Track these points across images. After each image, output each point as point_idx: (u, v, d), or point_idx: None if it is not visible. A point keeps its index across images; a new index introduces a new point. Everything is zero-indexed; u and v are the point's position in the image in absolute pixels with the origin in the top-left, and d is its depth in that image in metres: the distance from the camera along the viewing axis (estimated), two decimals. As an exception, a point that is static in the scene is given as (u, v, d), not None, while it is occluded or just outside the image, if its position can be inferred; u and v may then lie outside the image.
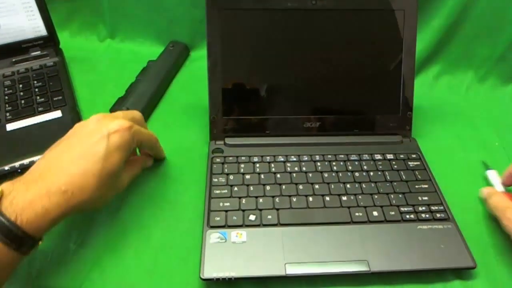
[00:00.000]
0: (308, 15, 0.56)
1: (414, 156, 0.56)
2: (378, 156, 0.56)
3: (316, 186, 0.51)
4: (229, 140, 0.58)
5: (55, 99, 0.63)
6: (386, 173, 0.53)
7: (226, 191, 0.50)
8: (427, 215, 0.48)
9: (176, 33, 0.79)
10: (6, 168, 0.53)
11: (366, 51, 0.58)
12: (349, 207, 0.48)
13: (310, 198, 0.49)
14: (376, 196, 0.50)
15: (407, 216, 0.47)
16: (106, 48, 0.80)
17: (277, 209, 0.48)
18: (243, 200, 0.49)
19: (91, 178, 0.40)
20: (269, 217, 0.47)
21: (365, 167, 0.54)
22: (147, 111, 0.64)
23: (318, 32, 0.57)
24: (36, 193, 0.37)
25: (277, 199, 0.49)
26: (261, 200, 0.49)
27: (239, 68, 0.58)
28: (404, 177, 0.53)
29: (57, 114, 0.60)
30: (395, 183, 0.52)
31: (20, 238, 0.35)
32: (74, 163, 0.40)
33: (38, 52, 0.71)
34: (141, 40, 0.80)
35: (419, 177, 0.53)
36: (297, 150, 0.57)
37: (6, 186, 0.37)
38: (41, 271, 0.44)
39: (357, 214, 0.48)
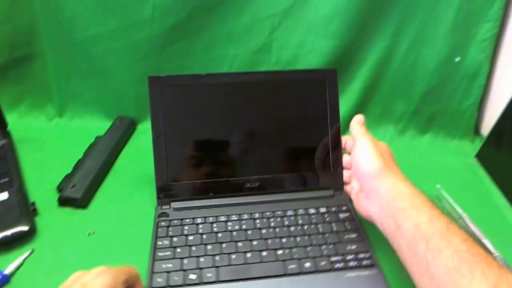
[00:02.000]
0: (241, 87, 0.63)
1: (344, 208, 0.61)
2: (312, 210, 0.61)
3: (254, 243, 0.55)
4: (174, 204, 0.61)
5: (1, 181, 0.64)
6: (319, 225, 0.58)
7: (169, 253, 0.53)
8: (354, 263, 0.52)
9: (123, 109, 0.84)
10: (-49, 253, 0.53)
11: (296, 117, 0.64)
12: (284, 260, 0.52)
13: (248, 254, 0.53)
14: (309, 248, 0.54)
15: (336, 265, 0.51)
16: (55, 127, 0.84)
17: (217, 267, 0.51)
18: (185, 261, 0.52)
19: None
20: (209, 275, 0.50)
21: (300, 221, 0.59)
22: (94, 185, 0.67)
23: (251, 102, 0.63)
24: None
25: (217, 257, 0.52)
26: (202, 259, 0.52)
27: (181, 138, 0.62)
28: (335, 228, 0.57)
29: (4, 196, 0.62)
30: (327, 235, 0.56)
31: None
32: None
33: (-15, 137, 0.74)
34: (89, 117, 0.85)
35: (349, 227, 0.58)
36: (239, 209, 0.61)
37: None
38: None
39: (290, 266, 0.51)
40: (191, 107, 0.63)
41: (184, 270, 0.51)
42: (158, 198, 0.62)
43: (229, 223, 0.58)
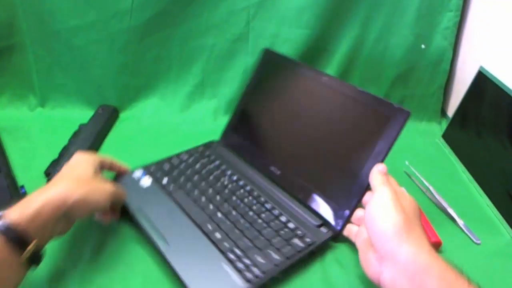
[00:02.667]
0: (318, 86, 0.64)
1: (309, 241, 0.55)
2: (283, 218, 0.58)
3: (225, 204, 0.60)
4: (219, 147, 0.75)
5: (-12, 167, 0.66)
6: (274, 232, 0.56)
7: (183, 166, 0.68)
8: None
9: (105, 98, 0.86)
10: None
11: (346, 135, 0.59)
12: (219, 227, 0.56)
13: (210, 205, 0.60)
14: (244, 238, 0.54)
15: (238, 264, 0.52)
16: (37, 117, 0.85)
17: (187, 193, 0.62)
18: (180, 176, 0.66)
19: (63, 178, 0.51)
20: (172, 189, 0.64)
21: (264, 215, 0.58)
22: (80, 170, 0.69)
23: (319, 103, 0.63)
24: (25, 198, 0.46)
25: (195, 190, 0.63)
26: (187, 182, 0.65)
27: (261, 105, 0.72)
28: (278, 243, 0.54)
29: (-8, 181, 0.64)
30: (267, 241, 0.54)
31: (7, 224, 0.41)
32: (51, 183, 0.50)
33: (-32, 126, 0.75)
34: (71, 106, 0.87)
35: (292, 252, 0.54)
36: (248, 180, 0.66)
37: None
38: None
39: (217, 235, 0.54)
40: (280, 85, 0.69)
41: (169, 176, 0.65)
42: (223, 134, 0.76)
43: (232, 182, 0.65)
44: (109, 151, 0.76)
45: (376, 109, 0.56)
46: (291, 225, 0.57)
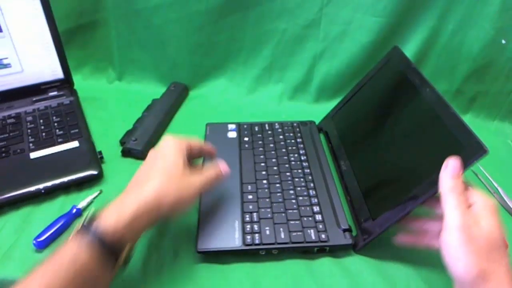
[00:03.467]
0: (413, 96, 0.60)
1: (323, 237, 0.56)
2: (315, 209, 0.60)
3: (276, 176, 0.66)
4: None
5: (72, 131, 0.72)
6: (295, 207, 0.60)
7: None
8: None
9: (177, 76, 0.90)
10: (32, 189, 0.61)
11: (415, 154, 0.56)
12: (256, 191, 0.63)
13: (263, 172, 0.67)
14: (267, 200, 0.62)
15: None
16: (115, 89, 0.91)
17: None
18: None
19: (155, 174, 0.48)
20: None
21: (300, 197, 0.62)
22: (153, 142, 0.74)
23: (406, 114, 0.61)
24: (119, 199, 0.46)
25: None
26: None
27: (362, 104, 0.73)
28: None
29: (75, 144, 0.69)
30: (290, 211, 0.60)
31: (102, 233, 0.41)
32: (141, 176, 0.50)
33: (55, 93, 0.81)
34: (146, 81, 0.91)
35: None
36: (316, 166, 0.69)
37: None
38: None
39: (249, 195, 0.62)
40: (389, 87, 0.68)
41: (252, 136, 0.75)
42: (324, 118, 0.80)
43: (298, 160, 0.69)
44: (178, 126, 0.80)
45: (455, 136, 0.50)
46: (318, 217, 0.59)
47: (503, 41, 0.79)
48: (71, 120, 0.75)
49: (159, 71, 0.90)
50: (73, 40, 0.89)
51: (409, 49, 0.81)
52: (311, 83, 0.88)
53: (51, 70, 0.80)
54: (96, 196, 0.63)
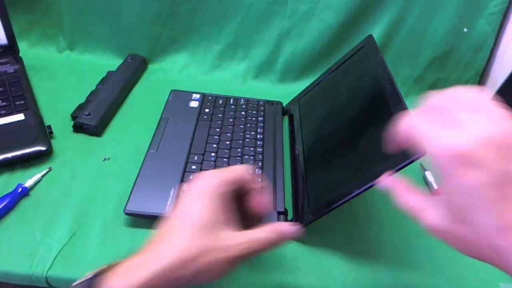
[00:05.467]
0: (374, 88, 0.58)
1: None
2: None
3: (227, 150, 0.65)
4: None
5: (17, 103, 0.66)
6: None
7: None
8: None
9: (134, 47, 0.84)
10: (-29, 165, 0.55)
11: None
12: (201, 163, 0.62)
13: (214, 145, 0.65)
14: None
15: None
16: (65, 59, 0.84)
17: None
18: None
19: (178, 233, 0.36)
20: None
21: None
22: (108, 115, 0.69)
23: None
24: (132, 261, 0.35)
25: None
26: None
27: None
28: None
29: (20, 117, 0.63)
30: None
31: None
32: (168, 227, 0.37)
33: (-2, 60, 0.74)
34: (100, 52, 0.85)
35: None
36: (271, 146, 0.68)
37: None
38: None
39: (193, 166, 0.61)
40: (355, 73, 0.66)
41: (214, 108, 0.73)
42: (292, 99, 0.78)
43: (253, 138, 0.68)
44: (136, 102, 0.76)
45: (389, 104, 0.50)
46: None
47: (465, 30, 0.81)
48: (16, 90, 0.68)
49: (115, 41, 0.84)
50: (18, 3, 0.81)
51: (376, 32, 0.81)
52: (277, 62, 0.85)
53: (-7, 34, 0.73)
54: (45, 174, 0.58)
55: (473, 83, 0.85)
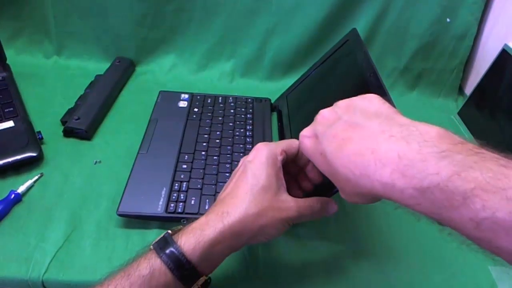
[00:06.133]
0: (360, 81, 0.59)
1: None
2: None
3: (217, 149, 0.66)
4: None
5: (6, 110, 0.66)
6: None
7: None
8: None
9: (122, 50, 0.84)
10: (-38, 173, 0.55)
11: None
12: (192, 162, 0.62)
13: (204, 144, 0.66)
14: (201, 171, 0.61)
15: None
16: (53, 65, 0.84)
17: None
18: None
19: (242, 194, 0.40)
20: None
21: None
22: (98, 119, 0.69)
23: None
24: (199, 221, 0.40)
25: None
26: None
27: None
28: None
29: (10, 124, 0.64)
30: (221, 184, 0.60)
31: (179, 260, 0.37)
32: (229, 193, 0.42)
33: (-16, 68, 0.74)
34: (87, 56, 0.85)
35: None
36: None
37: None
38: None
39: (183, 165, 0.62)
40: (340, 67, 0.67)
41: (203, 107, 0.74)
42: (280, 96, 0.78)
43: (243, 135, 0.69)
44: (125, 104, 0.76)
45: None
46: None
47: (448, 20, 0.82)
48: (4, 97, 0.68)
49: (102, 44, 0.84)
50: (2, 10, 0.81)
51: (360, 25, 0.82)
52: (264, 59, 0.86)
53: (-22, 42, 0.73)
54: (37, 180, 0.58)
55: (458, 71, 0.87)
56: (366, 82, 0.56)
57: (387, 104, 0.37)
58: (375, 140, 0.32)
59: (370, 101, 0.37)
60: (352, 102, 0.38)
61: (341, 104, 0.39)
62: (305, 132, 0.41)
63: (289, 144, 0.45)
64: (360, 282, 0.51)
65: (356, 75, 0.60)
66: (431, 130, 0.30)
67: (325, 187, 0.46)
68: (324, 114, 0.40)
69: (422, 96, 0.88)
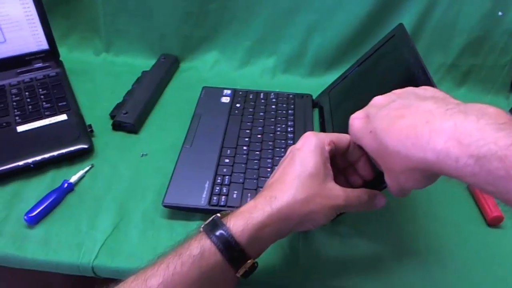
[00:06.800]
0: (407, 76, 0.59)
1: None
2: None
3: (259, 143, 0.67)
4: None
5: (59, 104, 0.69)
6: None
7: None
8: None
9: (167, 47, 0.87)
10: (21, 163, 0.59)
11: None
12: (234, 156, 0.64)
13: (246, 139, 0.67)
14: (243, 165, 0.63)
15: None
16: (102, 61, 0.87)
17: None
18: None
19: (290, 180, 0.41)
20: None
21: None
22: (145, 113, 0.72)
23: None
24: (247, 206, 0.41)
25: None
26: None
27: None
28: None
29: (63, 117, 0.67)
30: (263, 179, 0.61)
31: (228, 242, 0.38)
32: (277, 179, 0.43)
33: (40, 64, 0.78)
34: (134, 53, 0.88)
35: None
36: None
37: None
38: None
39: (226, 159, 0.63)
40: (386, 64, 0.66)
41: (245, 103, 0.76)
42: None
43: (284, 131, 0.69)
44: (170, 99, 0.78)
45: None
46: None
47: (500, 13, 0.78)
48: (58, 92, 0.72)
49: (148, 42, 0.87)
50: (57, 9, 0.84)
51: (406, 20, 0.80)
52: (305, 56, 0.86)
53: (35, 40, 0.77)
54: (88, 170, 0.61)
55: (509, 68, 0.83)
56: (414, 78, 0.55)
57: (442, 92, 0.38)
58: (430, 114, 0.32)
59: (425, 89, 0.39)
60: (407, 89, 0.40)
61: (396, 91, 0.41)
62: (356, 114, 0.41)
63: (339, 137, 0.45)
64: (400, 282, 0.50)
65: (402, 71, 0.59)
66: (489, 107, 0.30)
67: (373, 184, 0.45)
68: (378, 98, 0.41)
69: (470, 93, 0.85)
